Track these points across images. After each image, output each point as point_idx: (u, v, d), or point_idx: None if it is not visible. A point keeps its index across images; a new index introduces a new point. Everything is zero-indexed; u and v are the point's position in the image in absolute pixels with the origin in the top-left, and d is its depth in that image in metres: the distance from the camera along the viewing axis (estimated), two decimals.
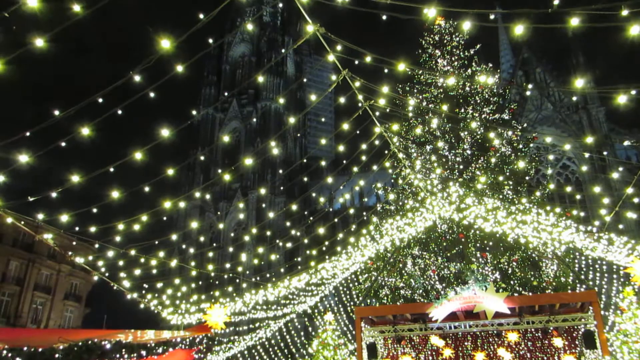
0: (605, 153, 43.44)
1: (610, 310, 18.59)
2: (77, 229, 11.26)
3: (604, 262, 18.84)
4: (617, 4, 6.70)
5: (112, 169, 9.21)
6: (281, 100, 61.84)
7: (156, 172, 10.32)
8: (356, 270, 19.49)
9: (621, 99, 7.94)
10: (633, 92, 7.75)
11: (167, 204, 10.29)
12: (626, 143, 39.66)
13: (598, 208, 26.84)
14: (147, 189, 10.23)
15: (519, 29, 7.26)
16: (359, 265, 18.36)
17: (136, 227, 11.10)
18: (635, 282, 10.37)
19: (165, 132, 9.21)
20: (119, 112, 8.48)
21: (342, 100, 11.49)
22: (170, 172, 9.45)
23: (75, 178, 8.94)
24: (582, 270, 20.27)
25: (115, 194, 9.57)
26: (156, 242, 13.45)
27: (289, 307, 18.85)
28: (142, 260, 12.94)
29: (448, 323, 15.43)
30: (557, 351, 16.13)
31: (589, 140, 32.22)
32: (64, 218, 9.80)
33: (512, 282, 17.46)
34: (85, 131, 8.27)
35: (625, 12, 6.71)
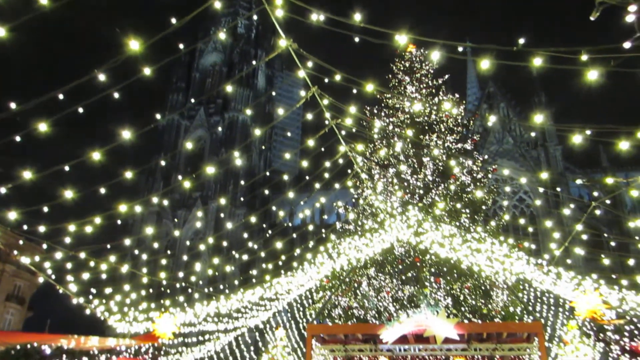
0: (558, 189, 45.09)
1: (554, 342, 19.06)
2: (25, 227, 10.83)
3: (552, 295, 19.37)
4: (577, 49, 7.03)
5: (67, 168, 8.94)
6: (248, 112, 61.65)
7: (115, 174, 10.07)
8: (311, 287, 19.42)
9: (576, 139, 8.28)
10: (588, 132, 8.11)
11: (123, 207, 10.03)
12: (578, 181, 41.55)
13: (549, 242, 27.70)
14: (102, 190, 9.96)
15: (484, 64, 7.51)
16: (314, 283, 18.31)
17: (88, 229, 10.76)
18: (579, 316, 10.71)
19: (126, 134, 9.02)
20: (80, 110, 8.27)
21: (309, 116, 11.57)
22: (129, 175, 9.24)
23: (27, 174, 8.62)
24: (531, 301, 20.77)
25: (68, 194, 9.27)
26: (108, 246, 13.06)
27: (240, 321, 18.55)
28: (92, 263, 12.51)
29: (398, 345, 15.52)
30: None
31: (544, 175, 33.38)
32: (12, 215, 9.43)
33: (462, 309, 17.75)
34: (43, 127, 8.03)
35: (584, 57, 7.05)
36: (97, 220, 10.61)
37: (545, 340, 15.13)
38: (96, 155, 8.88)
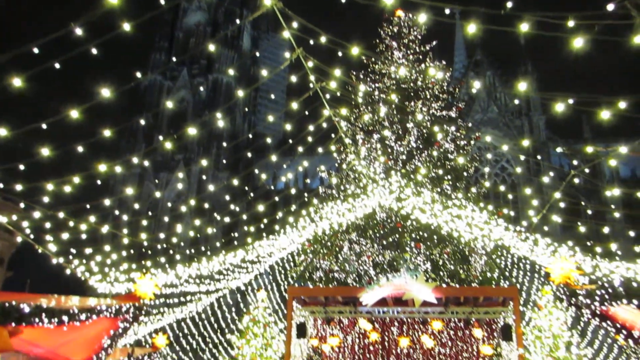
0: (539, 157, 45.67)
1: (529, 306, 19.59)
2: (1, 185, 10.64)
3: (528, 262, 19.82)
4: (564, 14, 6.97)
5: (44, 126, 8.73)
6: (231, 72, 60.48)
7: (95, 133, 9.86)
8: (293, 251, 19.57)
9: (559, 107, 8.30)
10: (570, 101, 8.12)
11: (102, 167, 9.88)
12: (559, 149, 42.21)
13: (527, 209, 28.18)
14: (81, 149, 9.77)
15: (471, 28, 7.42)
16: (296, 246, 18.45)
17: (67, 188, 10.60)
18: (553, 281, 10.99)
19: (106, 92, 8.81)
20: (57, 65, 8.01)
21: (293, 79, 11.39)
22: (107, 133, 9.06)
23: (2, 132, 8.40)
24: (507, 267, 21.22)
25: (45, 152, 9.08)
26: (87, 206, 12.93)
27: (222, 283, 18.70)
28: (71, 223, 12.39)
29: (377, 308, 15.83)
30: (477, 341, 16.96)
31: (526, 143, 33.63)
32: None
33: (441, 274, 18.13)
34: (18, 82, 7.78)
35: (571, 23, 6.99)
36: (76, 179, 10.45)
37: (520, 304, 15.55)
38: (74, 114, 8.67)
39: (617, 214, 30.78)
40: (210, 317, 24.81)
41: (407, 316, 16.86)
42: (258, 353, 14.31)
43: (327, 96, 12.64)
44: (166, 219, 41.36)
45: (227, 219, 21.31)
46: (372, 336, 16.90)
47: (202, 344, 25.01)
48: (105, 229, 13.67)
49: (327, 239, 19.21)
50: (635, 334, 9.46)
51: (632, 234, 23.71)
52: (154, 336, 18.64)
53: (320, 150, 17.11)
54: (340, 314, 16.73)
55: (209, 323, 24.87)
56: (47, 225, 12.23)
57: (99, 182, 11.71)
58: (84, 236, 13.15)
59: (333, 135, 16.29)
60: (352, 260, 19.43)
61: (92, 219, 12.62)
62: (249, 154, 45.15)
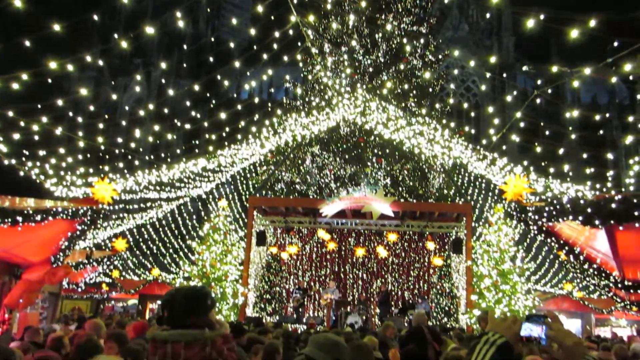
0: (505, 75, 45.90)
1: (480, 222, 20.48)
2: None
3: (484, 180, 20.41)
4: None
5: None
6: None
7: (45, 28, 9.13)
8: (255, 161, 19.51)
9: (530, 23, 8.15)
10: (542, 16, 7.97)
11: (53, 65, 9.26)
12: (524, 68, 42.60)
13: (488, 128, 28.70)
14: (28, 43, 9.07)
15: None
16: (258, 157, 18.37)
17: (15, 86, 9.96)
18: (505, 198, 11.41)
19: None
20: None
21: None
22: (57, 28, 8.40)
23: None
24: (464, 185, 21.83)
25: None
26: (39, 106, 12.29)
27: (183, 190, 18.62)
28: (22, 124, 11.81)
29: (336, 219, 16.23)
30: (429, 253, 17.82)
31: (494, 60, 33.52)
32: None
33: (400, 189, 18.56)
34: None
35: None
36: (25, 77, 9.80)
37: (472, 220, 16.21)
38: (18, 3, 7.96)
39: (573, 136, 31.81)
40: (171, 224, 24.96)
41: (364, 228, 17.41)
42: (218, 259, 14.58)
43: (295, 1, 12.03)
44: (124, 123, 40.07)
45: (187, 126, 20.76)
46: (330, 246, 17.48)
47: (163, 249, 25.37)
48: (59, 130, 13.13)
49: (290, 151, 19.18)
50: (576, 250, 10.07)
51: (584, 155, 24.67)
52: (114, 240, 18.72)
53: (285, 59, 16.54)
54: (299, 224, 17.10)
55: (169, 229, 25.07)
56: None
57: (49, 80, 11.03)
58: (36, 137, 12.60)
59: (300, 44, 15.73)
60: (313, 173, 19.60)
61: (45, 119, 12.06)
62: (212, 59, 43.39)
